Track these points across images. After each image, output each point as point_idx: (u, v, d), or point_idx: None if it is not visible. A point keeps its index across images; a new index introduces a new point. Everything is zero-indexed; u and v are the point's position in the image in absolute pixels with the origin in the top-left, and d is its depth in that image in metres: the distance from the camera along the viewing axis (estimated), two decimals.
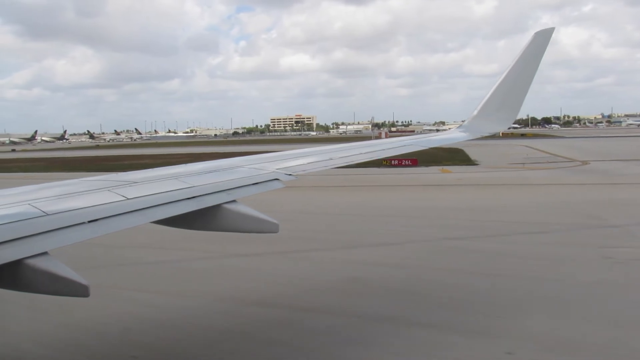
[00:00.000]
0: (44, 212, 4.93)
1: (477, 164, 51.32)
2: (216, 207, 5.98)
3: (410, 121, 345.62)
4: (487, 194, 31.68)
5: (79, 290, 4.42)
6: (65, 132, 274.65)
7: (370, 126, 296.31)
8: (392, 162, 49.87)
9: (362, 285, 13.97)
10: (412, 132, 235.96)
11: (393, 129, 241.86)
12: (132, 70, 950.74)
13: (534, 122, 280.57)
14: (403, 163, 49.88)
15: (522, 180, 38.40)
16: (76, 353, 10.35)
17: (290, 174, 7.44)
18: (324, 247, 18.55)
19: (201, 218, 5.95)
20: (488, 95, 11.79)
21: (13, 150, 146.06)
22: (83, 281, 4.41)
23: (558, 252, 16.65)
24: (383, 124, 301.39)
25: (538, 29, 11.38)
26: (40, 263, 4.35)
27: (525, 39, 11.61)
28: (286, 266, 16.14)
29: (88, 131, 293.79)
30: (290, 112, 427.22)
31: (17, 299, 11.78)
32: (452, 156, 61.67)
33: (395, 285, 13.98)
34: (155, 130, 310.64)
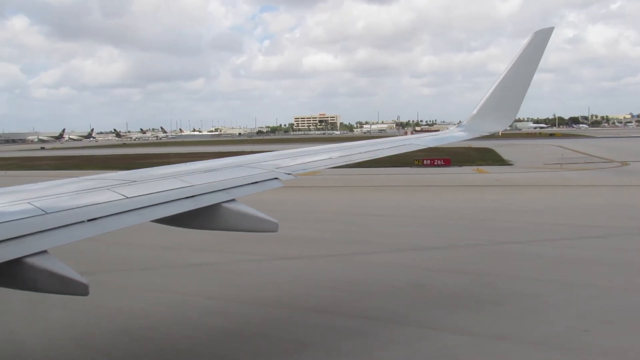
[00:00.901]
0: (43, 210, 4.93)
1: (511, 164, 50.17)
2: (215, 206, 5.96)
3: (435, 120, 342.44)
4: (532, 195, 30.69)
5: (78, 289, 4.41)
6: (92, 130, 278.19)
7: (394, 125, 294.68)
8: (424, 161, 49.06)
9: (428, 292, 13.16)
10: (437, 131, 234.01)
11: (417, 128, 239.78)
12: (157, 69, 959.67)
13: (561, 121, 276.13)
14: (435, 163, 49.02)
15: (563, 181, 37.37)
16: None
17: (289, 173, 7.39)
18: (373, 249, 17.74)
19: (200, 217, 5.93)
20: (487, 95, 11.74)
21: (42, 148, 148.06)
22: (83, 280, 4.40)
23: (632, 259, 15.61)
24: (407, 124, 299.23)
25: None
26: (40, 261, 4.36)
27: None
28: (341, 270, 15.39)
29: (115, 130, 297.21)
30: (313, 111, 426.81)
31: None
32: (484, 156, 60.69)
33: (468, 293, 12.93)
34: (180, 129, 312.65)
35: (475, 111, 11.92)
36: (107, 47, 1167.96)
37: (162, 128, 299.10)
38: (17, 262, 4.30)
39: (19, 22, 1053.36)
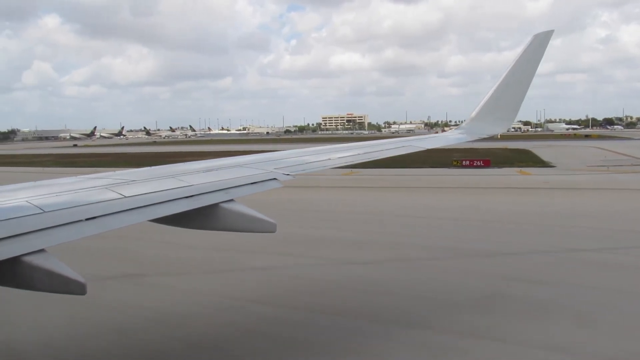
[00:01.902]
0: (41, 209, 4.92)
1: (553, 166, 48.71)
2: (214, 206, 5.95)
3: (463, 121, 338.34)
4: (589, 199, 29.38)
5: (76, 288, 4.39)
6: (122, 128, 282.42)
7: (422, 125, 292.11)
8: (463, 162, 48.05)
9: (512, 303, 12.22)
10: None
11: (446, 128, 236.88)
12: (185, 68, 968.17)
13: (594, 122, 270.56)
14: (475, 164, 47.93)
15: (617, 184, 35.56)
16: None
17: (288, 174, 7.39)
18: (435, 255, 16.96)
19: (199, 217, 5.92)
20: (487, 97, 11.73)
21: (75, 146, 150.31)
22: (80, 279, 4.38)
23: None
24: (436, 124, 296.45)
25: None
26: (38, 260, 4.34)
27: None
28: (413, 277, 14.54)
29: (144, 127, 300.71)
30: (341, 110, 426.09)
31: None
32: (521, 157, 59.47)
33: (558, 305, 11.92)
34: (208, 128, 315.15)
35: (474, 113, 11.92)
36: (136, 46, 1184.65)
37: (190, 126, 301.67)
38: (15, 261, 4.28)
39: (51, 21, 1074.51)
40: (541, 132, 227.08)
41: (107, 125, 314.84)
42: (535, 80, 11.67)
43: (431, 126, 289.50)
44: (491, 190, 33.91)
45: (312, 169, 8.09)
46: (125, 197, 5.55)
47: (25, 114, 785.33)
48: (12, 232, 4.43)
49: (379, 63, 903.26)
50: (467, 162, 48.22)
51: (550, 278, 14.07)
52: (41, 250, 4.43)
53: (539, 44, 11.20)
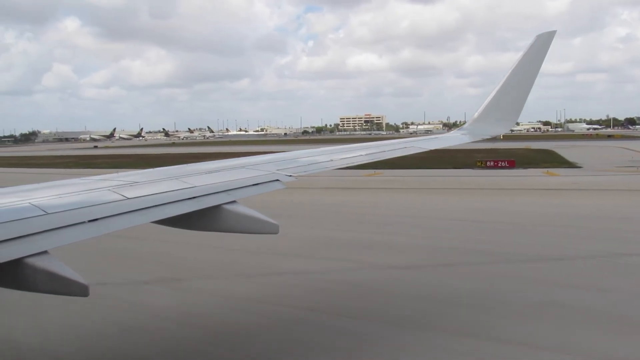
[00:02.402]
0: (44, 211, 4.92)
1: (579, 167, 47.72)
2: (216, 208, 5.94)
3: None
4: (626, 200, 28.36)
5: (78, 290, 4.39)
6: (141, 129, 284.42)
7: (441, 126, 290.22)
8: (488, 163, 47.33)
9: (572, 312, 11.42)
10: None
11: None
12: (202, 70, 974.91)
13: (615, 122, 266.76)
14: (499, 165, 47.17)
15: None
16: None
17: (290, 175, 7.38)
18: (478, 259, 16.10)
19: (201, 218, 5.91)
20: (490, 98, 11.71)
21: (95, 147, 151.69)
22: (82, 281, 4.37)
23: None
24: (455, 124, 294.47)
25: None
26: (40, 262, 4.33)
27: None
28: (456, 282, 13.85)
29: (163, 129, 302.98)
30: (358, 111, 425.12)
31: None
32: (546, 157, 58.64)
33: (618, 316, 11.16)
34: (226, 129, 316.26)
35: (477, 114, 11.90)
36: (155, 48, 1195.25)
37: (209, 128, 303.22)
38: (18, 262, 4.27)
39: (71, 24, 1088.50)
40: (561, 132, 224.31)
41: (126, 126, 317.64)
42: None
43: (450, 126, 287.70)
44: (521, 191, 33.06)
45: (315, 170, 8.06)
46: (128, 198, 5.54)
47: (45, 115, 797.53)
48: (15, 234, 4.42)
49: (396, 64, 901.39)
50: (492, 163, 47.49)
51: (602, 284, 13.40)
52: (44, 252, 4.41)
53: (542, 44, 11.16)
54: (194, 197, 5.90)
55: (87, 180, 6.39)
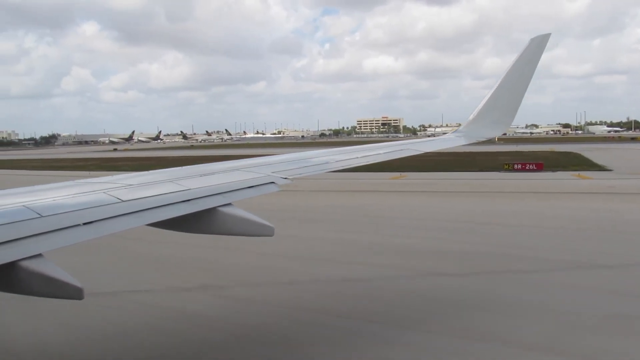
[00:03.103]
0: (38, 214, 4.91)
1: (609, 170, 46.51)
2: (211, 210, 5.92)
3: None
4: None
5: (72, 293, 4.36)
6: (159, 132, 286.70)
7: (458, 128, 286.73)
8: (515, 166, 46.48)
9: (634, 324, 10.75)
10: (504, 134, 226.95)
11: None
12: (219, 73, 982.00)
13: (637, 125, 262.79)
14: (527, 167, 46.28)
15: None
16: None
17: (285, 177, 7.34)
18: (533, 266, 15.18)
19: (196, 221, 5.89)
20: (484, 101, 11.80)
21: (115, 150, 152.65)
22: (77, 284, 4.35)
23: None
24: None
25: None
26: (34, 265, 4.31)
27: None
28: (513, 291, 13.05)
29: (181, 132, 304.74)
30: (375, 114, 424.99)
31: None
32: (573, 160, 57.73)
33: None
34: (244, 132, 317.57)
35: (472, 117, 11.96)
36: (172, 52, 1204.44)
37: (226, 130, 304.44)
38: (12, 266, 4.24)
39: (89, 28, 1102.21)
40: (582, 134, 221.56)
41: (144, 129, 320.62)
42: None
43: None
44: (557, 195, 32.15)
45: (310, 173, 8.01)
46: (123, 201, 5.52)
47: (65, 119, 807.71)
48: (9, 237, 4.40)
49: (413, 66, 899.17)
50: (519, 166, 46.60)
51: None
52: (38, 255, 4.38)
53: (536, 47, 11.21)
54: (189, 200, 5.87)
55: (81, 183, 6.36)
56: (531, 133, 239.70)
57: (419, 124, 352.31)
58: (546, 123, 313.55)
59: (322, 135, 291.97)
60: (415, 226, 22.30)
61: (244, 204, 6.18)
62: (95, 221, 5.01)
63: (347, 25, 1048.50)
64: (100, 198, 5.59)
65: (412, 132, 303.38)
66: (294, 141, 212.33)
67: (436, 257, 16.55)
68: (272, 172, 7.45)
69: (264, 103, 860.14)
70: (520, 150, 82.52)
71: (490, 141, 12.93)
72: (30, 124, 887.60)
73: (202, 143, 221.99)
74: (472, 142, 11.62)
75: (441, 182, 39.32)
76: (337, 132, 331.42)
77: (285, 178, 7.33)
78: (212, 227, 5.95)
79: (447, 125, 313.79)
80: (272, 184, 7.02)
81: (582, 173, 43.57)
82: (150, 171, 7.34)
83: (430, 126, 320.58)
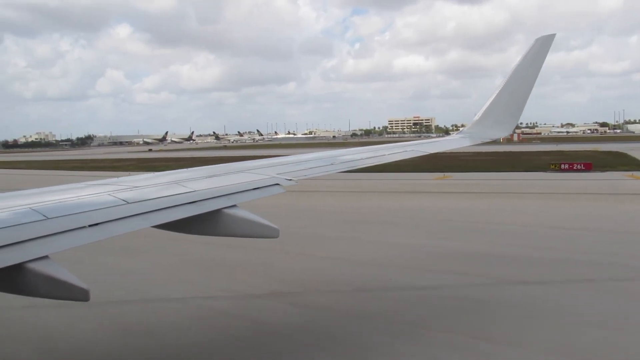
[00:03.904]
0: (45, 216, 4.92)
1: None
2: (216, 212, 5.90)
3: (536, 123, 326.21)
4: None
5: (79, 295, 4.35)
6: (192, 133, 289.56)
7: None
8: (562, 166, 45.06)
9: None
10: (539, 134, 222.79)
11: (517, 131, 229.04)
12: (250, 74, 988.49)
13: None
14: (575, 167, 44.82)
15: None
16: None
17: (290, 179, 7.29)
18: (621, 274, 14.05)
19: (201, 222, 5.87)
20: (490, 101, 11.76)
21: (150, 150, 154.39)
22: (83, 285, 4.34)
23: None
24: None
25: None
26: (41, 267, 4.31)
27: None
28: (613, 304, 11.76)
29: (214, 132, 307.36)
30: (406, 113, 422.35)
31: None
32: (620, 160, 56.08)
33: None
34: (275, 132, 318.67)
35: (477, 117, 11.90)
36: (203, 53, 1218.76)
37: (258, 131, 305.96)
38: (18, 268, 4.26)
39: (122, 31, 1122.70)
40: (620, 133, 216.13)
41: (176, 130, 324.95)
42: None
43: None
44: (616, 197, 30.37)
45: (315, 174, 7.97)
46: (129, 203, 5.52)
47: (99, 120, 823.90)
48: (16, 239, 4.41)
49: (444, 65, 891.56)
50: (567, 166, 45.15)
51: None
52: (44, 257, 4.39)
53: (541, 47, 11.13)
54: (194, 202, 5.87)
55: (87, 185, 6.38)
56: (567, 132, 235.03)
57: (451, 124, 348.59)
58: (582, 122, 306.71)
59: (354, 135, 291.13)
60: (476, 229, 21.14)
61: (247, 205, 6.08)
62: (101, 223, 5.01)
63: (377, 25, 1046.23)
64: (105, 200, 5.58)
65: (445, 132, 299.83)
66: (325, 141, 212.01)
67: (512, 264, 15.41)
68: (277, 174, 7.42)
69: (294, 103, 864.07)
70: (562, 149, 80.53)
71: (495, 142, 12.98)
72: (66, 126, 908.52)
73: (234, 143, 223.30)
74: (477, 143, 11.54)
75: (490, 183, 38.13)
76: (368, 132, 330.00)
77: (290, 179, 7.29)
78: (218, 228, 5.94)
79: None
80: (277, 186, 6.98)
81: (636, 173, 41.87)
82: (156, 173, 7.30)
83: (462, 126, 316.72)
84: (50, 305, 11.96)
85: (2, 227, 4.56)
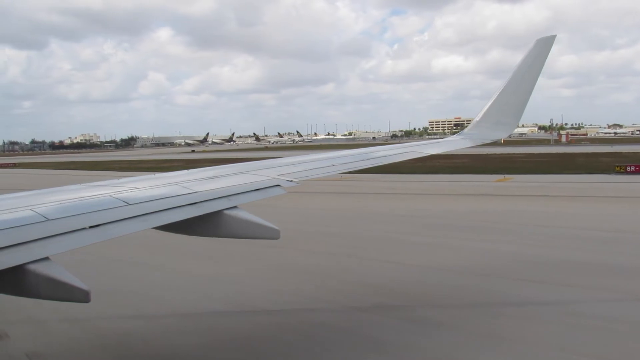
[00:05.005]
0: (45, 217, 4.89)
1: None
2: (217, 213, 5.84)
3: (581, 123, 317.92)
4: None
5: (79, 296, 4.31)
6: (233, 134, 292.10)
7: (536, 129, 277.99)
8: (628, 168, 43.06)
9: None
10: (585, 134, 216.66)
11: (562, 132, 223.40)
12: (288, 75, 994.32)
13: None
14: None
15: None
16: None
17: (291, 180, 7.24)
18: None
19: (202, 224, 5.81)
20: (490, 102, 11.67)
21: (193, 151, 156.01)
22: (83, 286, 4.31)
23: None
24: (550, 127, 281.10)
25: None
26: (42, 268, 4.29)
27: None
28: None
29: (254, 133, 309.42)
30: (447, 114, 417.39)
31: None
32: None
33: None
34: (315, 133, 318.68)
35: (477, 118, 11.83)
36: (242, 55, 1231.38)
37: (298, 132, 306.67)
38: (19, 269, 4.24)
39: (163, 34, 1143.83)
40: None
41: (216, 131, 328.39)
42: None
43: (545, 129, 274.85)
44: None
45: (316, 175, 7.91)
46: (129, 204, 5.48)
47: (142, 121, 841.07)
48: (17, 241, 4.40)
49: (484, 65, 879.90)
50: (633, 168, 43.09)
51: None
52: (45, 259, 4.37)
53: (542, 49, 11.00)
54: (195, 203, 5.83)
55: (87, 186, 6.35)
56: (615, 133, 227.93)
57: None
58: (630, 122, 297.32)
59: (394, 136, 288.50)
60: (566, 235, 19.60)
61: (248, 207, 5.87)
62: (102, 224, 4.99)
63: (416, 25, 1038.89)
64: (106, 201, 5.54)
65: None
66: (365, 142, 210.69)
67: (621, 275, 14.05)
68: (278, 175, 7.37)
69: (333, 105, 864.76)
70: (619, 151, 77.57)
71: (495, 143, 12.46)
72: (109, 127, 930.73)
73: (275, 144, 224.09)
74: (477, 144, 11.47)
75: (557, 186, 36.53)
76: (408, 133, 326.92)
77: (291, 181, 7.23)
78: (218, 230, 5.90)
79: (523, 126, 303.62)
80: (278, 187, 6.92)
81: None
82: (157, 174, 7.31)
83: None
84: (144, 317, 11.52)
85: (3, 229, 4.53)
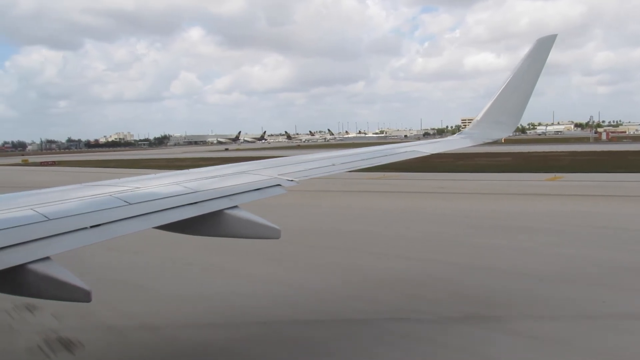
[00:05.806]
0: (46, 217, 4.90)
1: None
2: (218, 213, 5.87)
3: (619, 121, 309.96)
4: None
5: (80, 296, 4.32)
6: (264, 132, 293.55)
7: (572, 126, 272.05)
8: None
9: None
10: (624, 132, 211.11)
11: (600, 129, 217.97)
12: (318, 74, 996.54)
13: None
14: None
15: None
16: None
17: (291, 180, 7.23)
18: None
19: (203, 223, 5.84)
20: (491, 102, 11.71)
21: (226, 150, 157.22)
22: (85, 286, 4.32)
23: None
24: (586, 124, 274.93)
25: None
26: (43, 268, 4.30)
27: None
28: None
29: (286, 132, 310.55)
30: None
31: None
32: None
33: None
34: (346, 131, 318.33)
35: (478, 118, 11.84)
36: (273, 54, 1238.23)
37: (329, 130, 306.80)
38: (20, 269, 4.24)
39: (195, 34, 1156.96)
40: None
41: (248, 130, 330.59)
42: None
43: (582, 127, 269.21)
44: None
45: (316, 175, 7.93)
46: (130, 204, 5.50)
47: (174, 120, 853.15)
48: (17, 240, 4.41)
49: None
50: None
51: None
52: (46, 258, 4.38)
53: (542, 48, 11.03)
54: (196, 202, 5.84)
55: (88, 186, 6.36)
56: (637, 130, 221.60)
57: (527, 122, 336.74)
58: None
59: (426, 134, 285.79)
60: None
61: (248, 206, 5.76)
62: (103, 224, 4.99)
63: (447, 23, 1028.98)
64: (107, 201, 5.55)
65: (521, 131, 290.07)
66: (397, 140, 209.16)
67: None
68: (278, 175, 7.40)
69: (363, 103, 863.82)
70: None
71: (496, 142, 12.97)
72: (142, 126, 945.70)
73: (306, 143, 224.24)
74: (478, 143, 11.48)
75: (616, 185, 34.68)
76: (441, 131, 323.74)
77: (291, 180, 7.25)
78: (219, 229, 5.91)
79: (558, 123, 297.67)
80: (278, 187, 6.94)
81: None
82: (158, 174, 7.30)
83: (539, 124, 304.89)
84: (212, 325, 11.09)
85: (4, 229, 4.53)
